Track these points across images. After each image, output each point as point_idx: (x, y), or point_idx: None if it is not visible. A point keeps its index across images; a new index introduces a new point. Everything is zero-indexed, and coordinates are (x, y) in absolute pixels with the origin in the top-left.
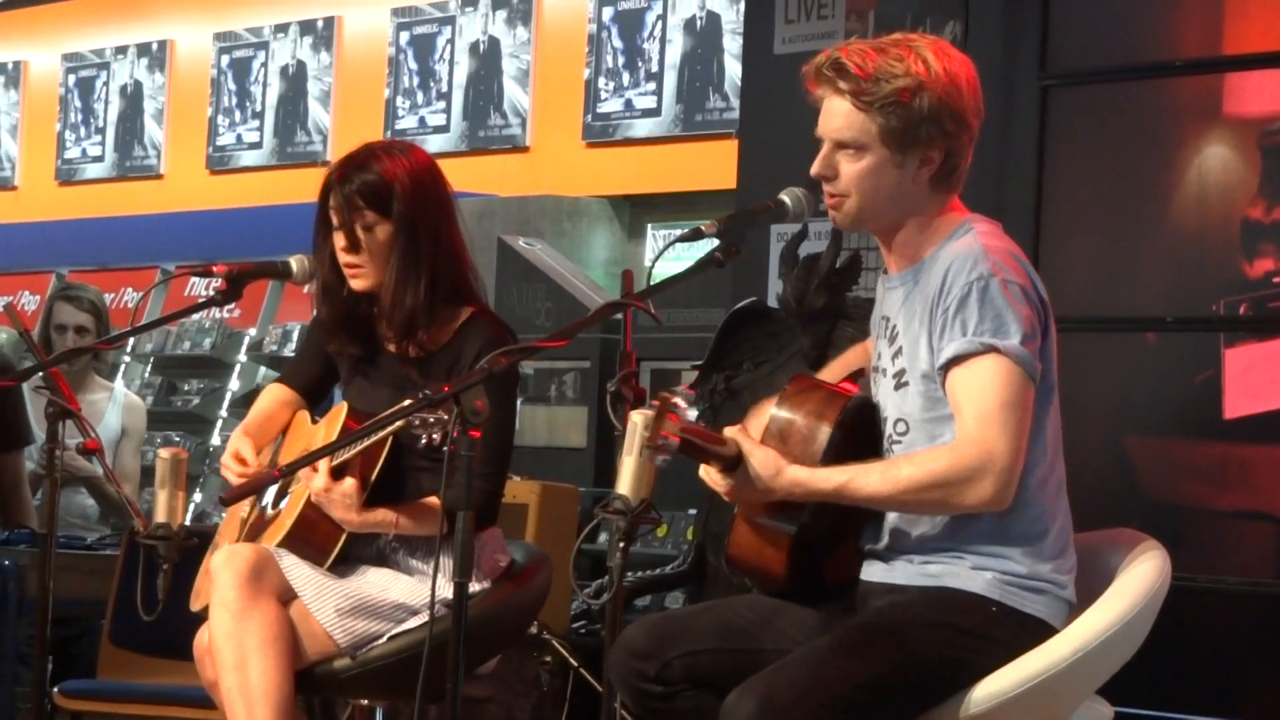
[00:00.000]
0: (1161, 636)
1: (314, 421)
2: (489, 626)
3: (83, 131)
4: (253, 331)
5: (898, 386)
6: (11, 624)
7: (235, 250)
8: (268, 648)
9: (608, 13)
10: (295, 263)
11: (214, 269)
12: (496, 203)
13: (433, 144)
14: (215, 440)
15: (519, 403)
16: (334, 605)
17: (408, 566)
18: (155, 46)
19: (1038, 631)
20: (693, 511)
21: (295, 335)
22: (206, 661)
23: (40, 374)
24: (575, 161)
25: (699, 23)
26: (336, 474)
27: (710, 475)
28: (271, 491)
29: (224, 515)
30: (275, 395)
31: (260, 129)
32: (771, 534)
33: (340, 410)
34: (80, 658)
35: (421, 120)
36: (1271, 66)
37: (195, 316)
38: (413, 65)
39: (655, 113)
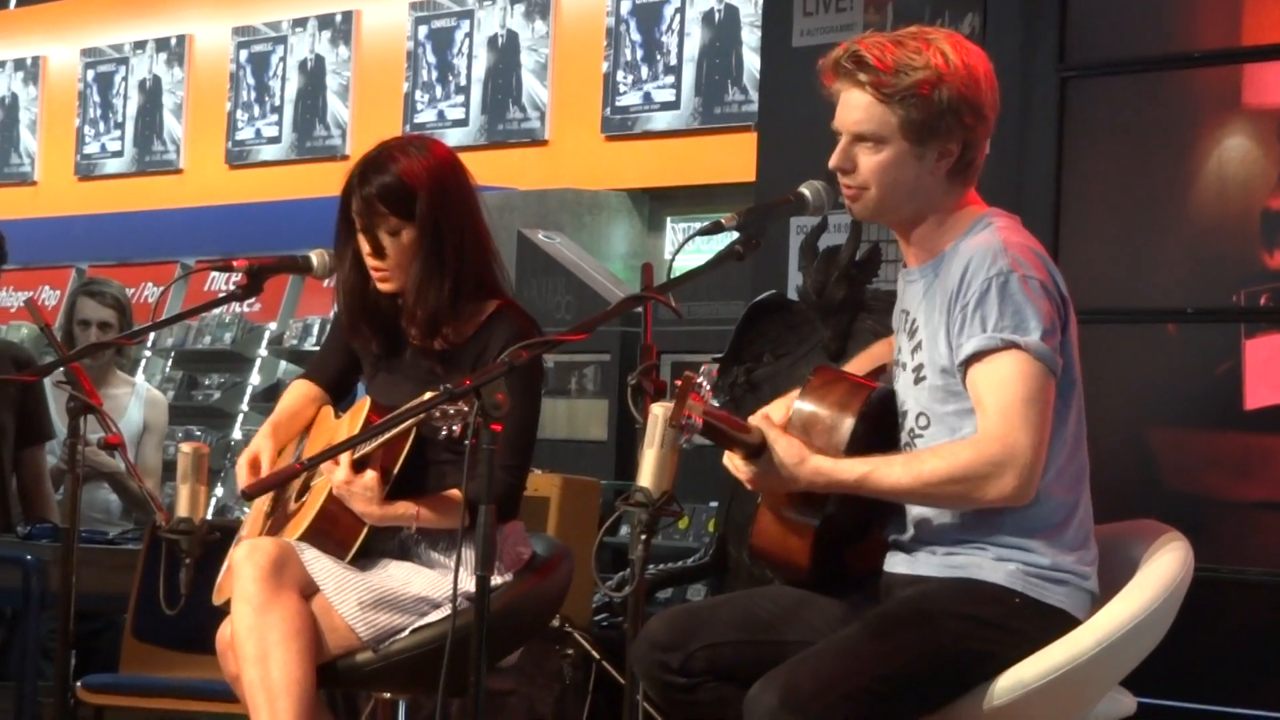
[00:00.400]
0: (1184, 627)
1: (337, 416)
2: (511, 620)
3: (102, 127)
4: (273, 326)
5: (917, 381)
6: (34, 619)
7: (255, 244)
8: (290, 641)
9: (626, 6)
10: (315, 257)
11: (234, 264)
12: (516, 196)
13: (451, 138)
14: (236, 434)
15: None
16: (356, 599)
17: (430, 560)
18: (174, 41)
19: (1061, 623)
20: (714, 504)
21: (316, 329)
22: (229, 655)
23: (61, 369)
24: (594, 155)
25: (717, 15)
26: (358, 467)
27: (733, 462)
28: (295, 485)
29: (247, 509)
30: (300, 391)
31: (279, 123)
32: (795, 525)
33: (363, 404)
34: (103, 652)
35: (440, 114)
36: None
37: (215, 311)
38: (431, 59)
39: (674, 106)
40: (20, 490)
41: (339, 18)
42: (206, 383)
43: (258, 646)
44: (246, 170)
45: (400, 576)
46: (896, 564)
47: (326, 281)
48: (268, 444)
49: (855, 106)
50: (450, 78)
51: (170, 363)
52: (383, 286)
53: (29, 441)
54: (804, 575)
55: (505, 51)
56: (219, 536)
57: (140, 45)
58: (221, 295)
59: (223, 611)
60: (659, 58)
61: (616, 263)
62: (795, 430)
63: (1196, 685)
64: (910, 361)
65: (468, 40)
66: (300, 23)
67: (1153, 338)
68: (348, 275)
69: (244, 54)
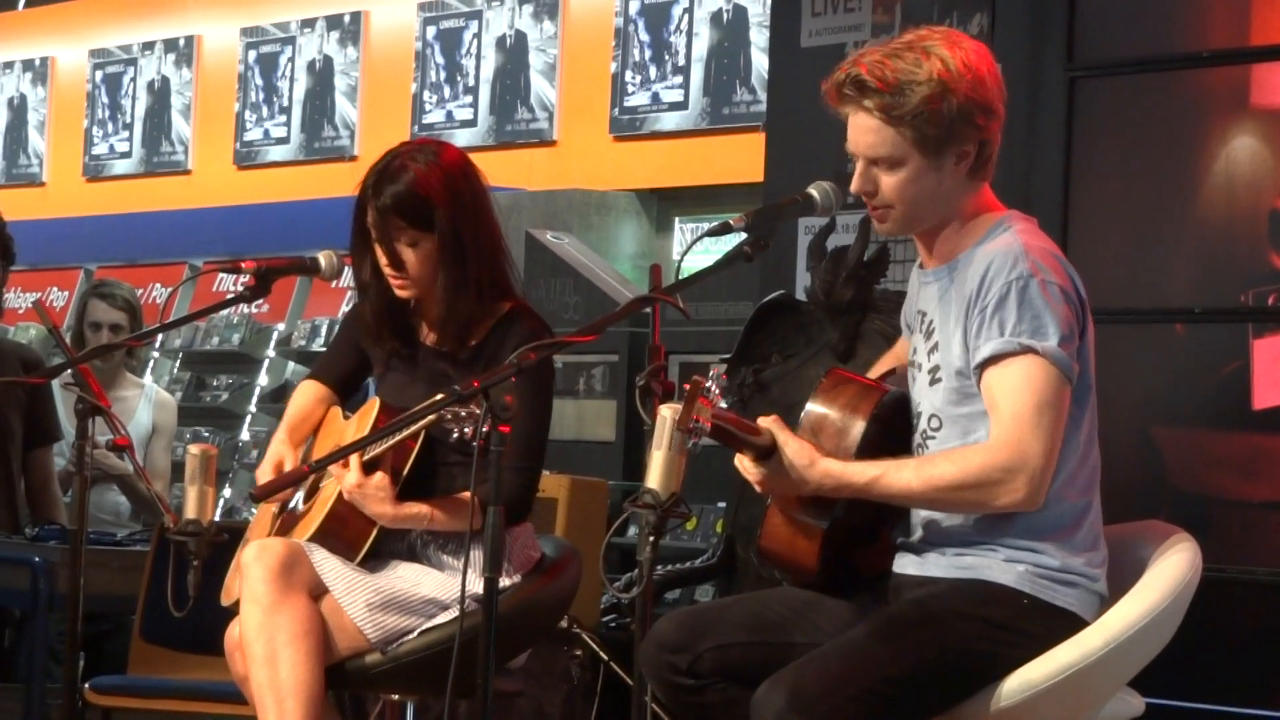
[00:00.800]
0: (1192, 627)
1: (346, 417)
2: (519, 621)
3: (110, 128)
4: (281, 327)
5: (932, 382)
6: (43, 620)
7: (263, 245)
8: (298, 642)
9: (634, 6)
10: (324, 258)
11: (243, 265)
12: (524, 197)
13: (460, 138)
14: (244, 435)
15: None
16: (365, 600)
17: (438, 561)
18: (182, 42)
19: (1069, 624)
20: (722, 505)
21: (324, 330)
22: (237, 656)
23: (70, 370)
24: (602, 155)
25: (725, 16)
26: (368, 469)
27: (743, 464)
28: (304, 487)
29: (255, 511)
30: (310, 392)
31: (288, 124)
32: (804, 527)
33: (372, 405)
34: (111, 654)
35: (449, 115)
36: None
37: (224, 312)
38: (440, 60)
39: (682, 106)
40: (28, 492)
41: (347, 18)
42: (215, 384)
43: (266, 647)
44: (255, 171)
45: (409, 578)
46: (905, 565)
47: (335, 283)
48: (288, 450)
49: (866, 130)
50: (459, 78)
51: (178, 364)
52: (401, 294)
53: (37, 443)
54: (812, 577)
55: (514, 52)
56: (227, 538)
57: (149, 46)
58: (230, 296)
59: (231, 613)
60: (667, 58)
61: (625, 263)
62: (806, 432)
63: (1204, 686)
64: (926, 363)
65: (476, 41)
66: (309, 23)
67: (1161, 338)
68: (369, 283)
69: (252, 55)
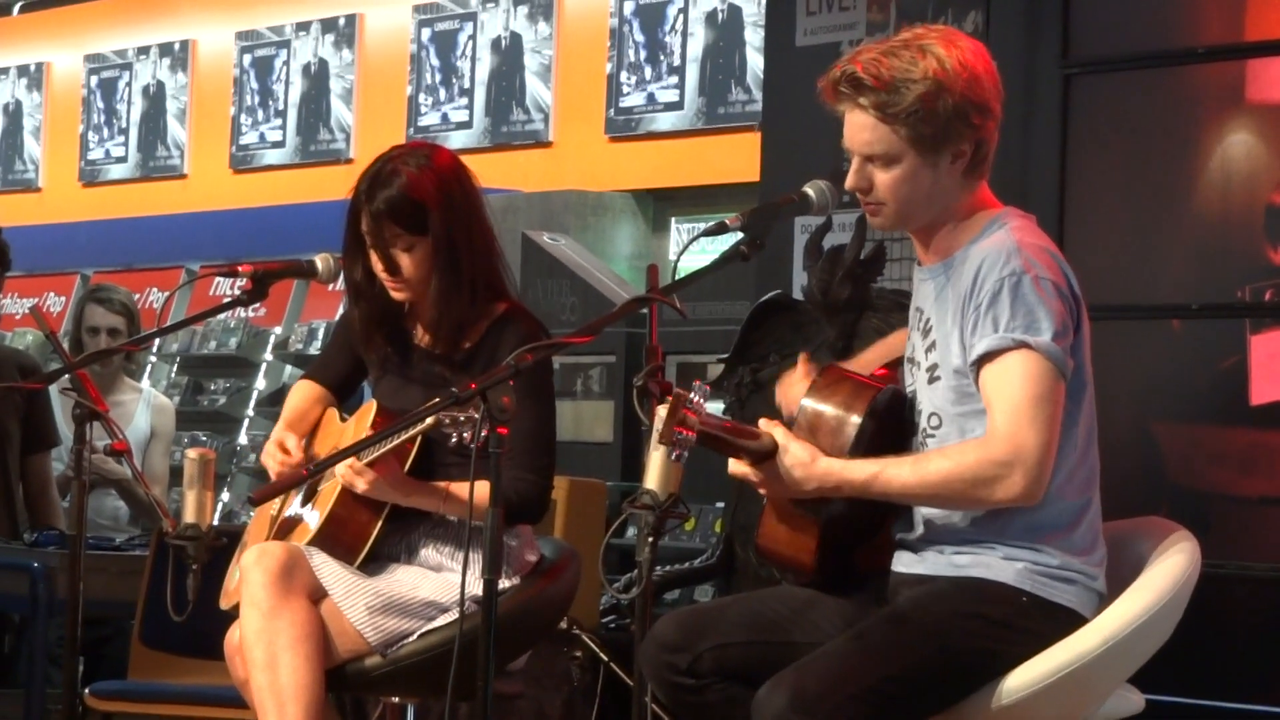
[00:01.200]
0: (1190, 624)
1: (343, 419)
2: (519, 623)
3: (106, 132)
4: (278, 330)
5: (931, 381)
6: (42, 626)
7: (259, 249)
8: (298, 646)
9: (629, 6)
10: (320, 261)
11: (239, 269)
12: (520, 198)
13: (455, 140)
14: (242, 439)
15: None
16: (364, 603)
17: (437, 564)
18: (177, 46)
19: (1068, 622)
20: (721, 504)
21: (321, 333)
22: (237, 660)
23: (67, 376)
24: (598, 156)
25: (720, 15)
26: None
27: (741, 469)
28: (301, 490)
29: (253, 514)
30: (306, 392)
31: (283, 127)
32: (801, 524)
33: (369, 408)
34: (111, 659)
35: (444, 117)
36: None
37: (221, 316)
38: (435, 62)
39: (678, 106)
40: (27, 497)
41: (342, 21)
42: (212, 388)
43: (266, 651)
44: (251, 175)
45: (408, 581)
46: (904, 563)
47: (331, 285)
48: (290, 435)
49: (862, 128)
50: (454, 80)
51: (175, 368)
52: (397, 297)
53: (35, 448)
54: (811, 575)
55: (508, 53)
56: (226, 542)
57: (144, 50)
58: (227, 300)
59: (230, 617)
60: (662, 58)
61: (621, 264)
62: (802, 429)
63: (1204, 682)
64: (924, 361)
65: (471, 43)
66: (303, 26)
67: (1158, 334)
68: (362, 287)
69: (247, 58)
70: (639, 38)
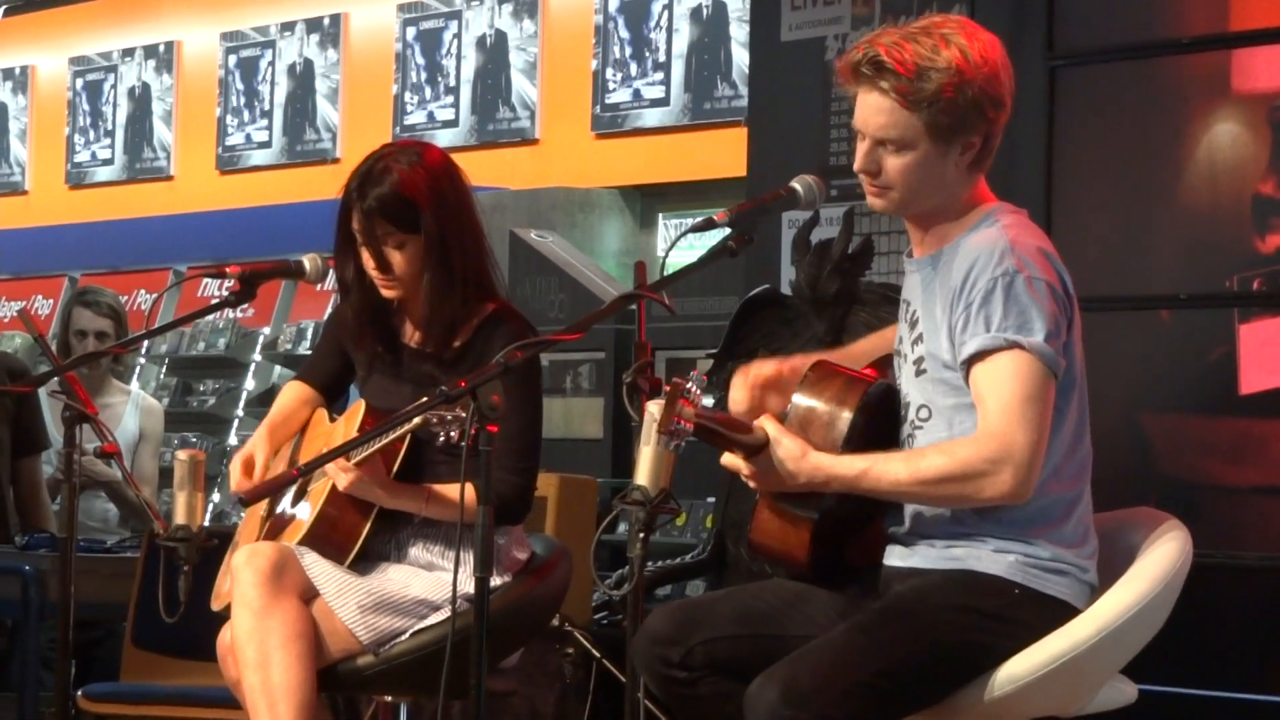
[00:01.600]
0: (1182, 614)
1: (332, 419)
2: (511, 620)
3: (92, 135)
4: (267, 330)
5: (918, 373)
6: (34, 628)
7: (247, 250)
8: (290, 646)
9: (614, 3)
10: (308, 261)
11: (227, 270)
12: (507, 196)
13: (442, 139)
14: (232, 440)
15: None
16: (356, 602)
17: (428, 563)
18: (162, 48)
19: (1060, 613)
20: (711, 500)
21: (310, 333)
22: (229, 660)
23: (56, 378)
24: (585, 153)
25: (705, 11)
26: None
27: (733, 462)
28: (291, 490)
29: (243, 515)
30: (295, 394)
31: (269, 128)
32: (794, 519)
33: (358, 408)
34: (103, 661)
35: (430, 115)
36: (1279, 42)
37: (209, 317)
38: (420, 60)
39: (664, 102)
40: (17, 501)
41: (327, 21)
42: (201, 389)
43: (258, 651)
44: (237, 175)
45: (399, 579)
46: (895, 557)
47: (320, 285)
48: (263, 446)
49: (879, 111)
50: (439, 79)
51: (164, 369)
52: (387, 294)
53: (25, 452)
54: (803, 570)
55: (494, 51)
56: (216, 543)
57: (129, 53)
58: (215, 301)
59: (222, 617)
60: (648, 54)
61: (609, 260)
62: (793, 425)
63: (1197, 671)
64: (911, 353)
65: (456, 41)
66: (288, 26)
67: (1147, 324)
68: (353, 285)
69: (232, 59)
70: (624, 34)
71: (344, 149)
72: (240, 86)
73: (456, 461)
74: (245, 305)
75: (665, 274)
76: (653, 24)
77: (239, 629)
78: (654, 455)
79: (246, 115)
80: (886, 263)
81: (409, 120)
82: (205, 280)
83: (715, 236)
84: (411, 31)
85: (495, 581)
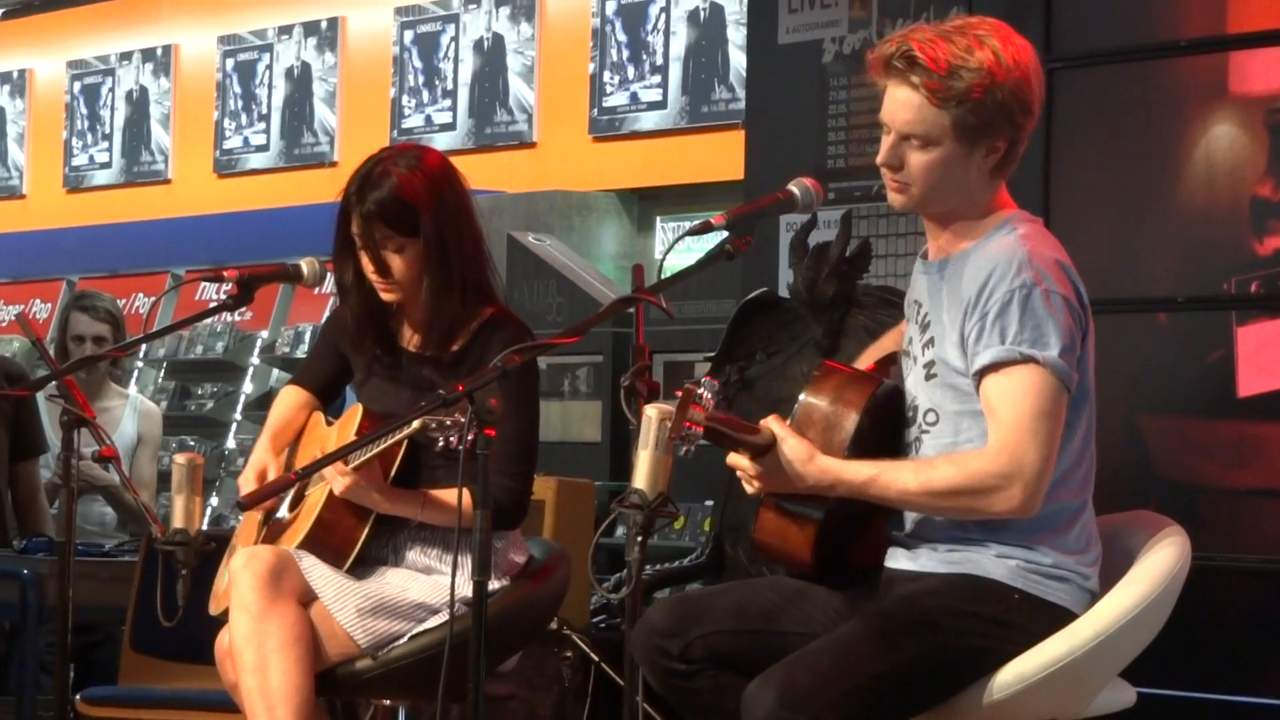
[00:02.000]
0: (1181, 617)
1: (329, 423)
2: (509, 624)
3: (90, 138)
4: (265, 334)
5: (928, 377)
6: (32, 632)
7: (245, 253)
8: (288, 649)
9: (611, 6)
10: (306, 265)
11: (225, 273)
12: (505, 199)
13: (439, 142)
14: (230, 443)
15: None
16: (354, 606)
17: (426, 566)
18: (160, 51)
19: (1060, 619)
20: (710, 503)
21: (307, 337)
22: (227, 664)
23: (54, 383)
24: (582, 156)
25: (702, 14)
26: None
27: (739, 463)
28: (288, 494)
29: (241, 519)
30: (292, 398)
31: (267, 131)
32: (798, 519)
33: (355, 412)
34: (102, 665)
35: (428, 119)
36: (1277, 44)
37: (207, 320)
38: (417, 64)
39: (661, 105)
40: (15, 505)
41: (324, 24)
42: (199, 392)
43: (256, 655)
44: (235, 179)
45: (398, 583)
46: (897, 559)
47: (317, 289)
48: (271, 458)
49: (907, 106)
50: (437, 82)
51: (162, 373)
52: (386, 298)
53: (23, 456)
54: (807, 569)
55: (491, 55)
56: (215, 547)
57: (126, 56)
58: (213, 305)
59: (220, 621)
60: (645, 58)
61: (607, 264)
62: (800, 426)
63: (1196, 675)
64: (921, 356)
65: (453, 44)
66: (286, 30)
67: (1144, 327)
68: (351, 288)
69: (230, 63)
70: (621, 37)
71: (342, 152)
72: (238, 90)
73: (454, 465)
74: (243, 309)
75: (663, 277)
76: (650, 27)
77: (237, 632)
78: (652, 459)
79: (244, 119)
80: (884, 265)
81: (406, 123)
82: (203, 284)
83: (713, 240)
84: (409, 35)
85: (493, 585)
